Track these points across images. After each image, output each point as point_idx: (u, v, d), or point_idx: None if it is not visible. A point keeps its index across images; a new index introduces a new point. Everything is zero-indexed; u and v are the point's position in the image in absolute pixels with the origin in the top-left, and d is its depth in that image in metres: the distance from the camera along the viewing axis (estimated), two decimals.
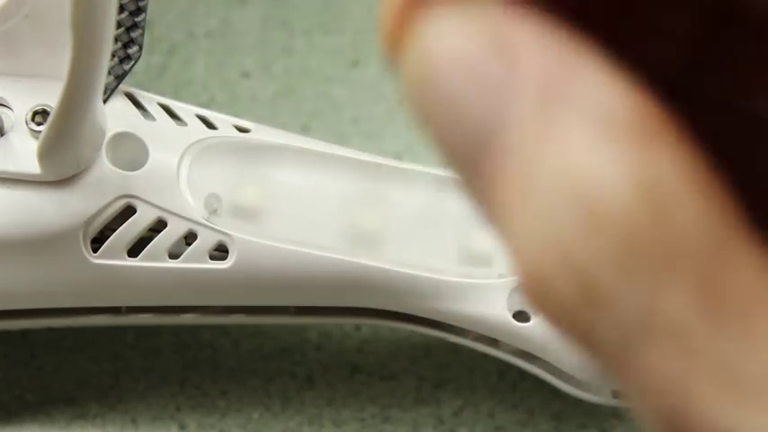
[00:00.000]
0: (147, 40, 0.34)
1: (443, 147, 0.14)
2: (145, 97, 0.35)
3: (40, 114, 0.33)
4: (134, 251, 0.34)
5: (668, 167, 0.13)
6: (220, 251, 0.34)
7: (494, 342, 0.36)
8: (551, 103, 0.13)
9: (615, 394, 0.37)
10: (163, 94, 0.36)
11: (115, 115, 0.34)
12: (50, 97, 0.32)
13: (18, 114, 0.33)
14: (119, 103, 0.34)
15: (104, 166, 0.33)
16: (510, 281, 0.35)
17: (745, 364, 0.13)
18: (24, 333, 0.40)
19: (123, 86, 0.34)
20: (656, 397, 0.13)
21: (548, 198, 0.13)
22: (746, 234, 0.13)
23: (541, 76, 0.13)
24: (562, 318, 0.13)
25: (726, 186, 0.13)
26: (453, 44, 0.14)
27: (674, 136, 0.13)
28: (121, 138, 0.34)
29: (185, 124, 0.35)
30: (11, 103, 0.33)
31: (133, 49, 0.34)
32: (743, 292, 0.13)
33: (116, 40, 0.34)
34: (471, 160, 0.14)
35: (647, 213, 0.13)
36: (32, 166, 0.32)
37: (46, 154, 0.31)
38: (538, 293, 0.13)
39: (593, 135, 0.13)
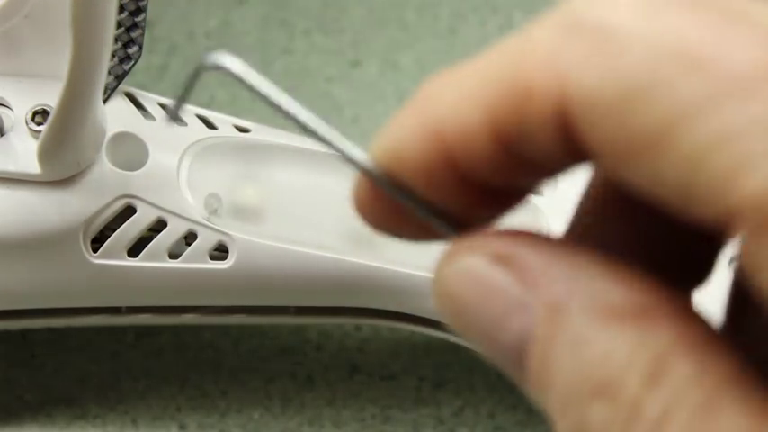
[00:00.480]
0: (147, 40, 0.34)
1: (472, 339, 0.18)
2: (145, 97, 0.35)
3: (40, 114, 0.33)
4: (134, 251, 0.34)
5: (665, 341, 0.16)
6: (220, 251, 0.34)
7: None
8: (556, 306, 0.16)
9: None
10: (163, 94, 0.36)
11: (115, 115, 0.34)
12: (50, 97, 0.32)
13: (18, 114, 0.33)
14: (119, 103, 0.34)
15: (104, 166, 0.33)
16: None
17: None
18: (24, 333, 0.40)
19: (123, 86, 0.34)
20: None
21: (566, 384, 0.16)
22: (741, 382, 0.15)
23: (542, 281, 0.17)
24: None
25: (726, 339, 0.16)
26: (462, 264, 0.18)
27: (671, 309, 0.16)
28: (121, 138, 0.34)
29: (185, 124, 0.35)
30: (11, 103, 0.33)
31: (133, 49, 0.34)
32: None
33: (116, 40, 0.34)
34: (493, 351, 0.18)
35: (642, 386, 0.15)
36: (32, 166, 0.32)
37: (46, 154, 0.31)
38: None
39: (595, 326, 0.16)
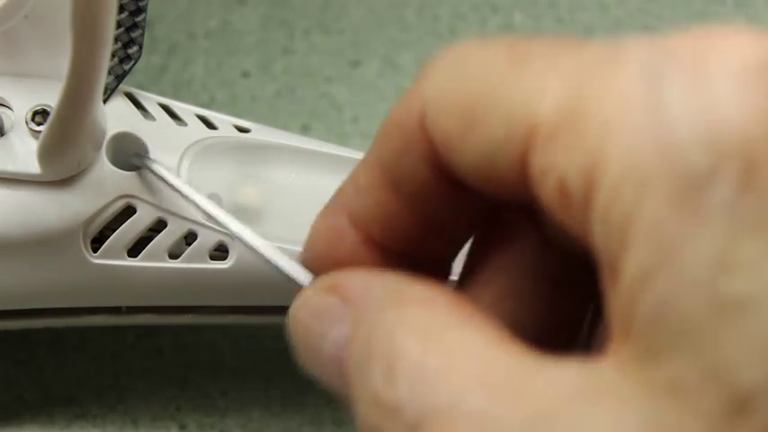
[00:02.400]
0: (147, 40, 0.34)
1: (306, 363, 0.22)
2: (145, 97, 0.35)
3: (40, 114, 0.33)
4: (134, 251, 0.34)
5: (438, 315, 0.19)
6: (220, 251, 0.34)
7: None
8: (359, 307, 0.20)
9: None
10: (163, 94, 0.36)
11: (115, 115, 0.34)
12: (50, 97, 0.32)
13: (18, 114, 0.33)
14: (119, 103, 0.34)
15: (104, 166, 0.33)
16: None
17: None
18: (24, 333, 0.40)
19: (123, 86, 0.34)
20: None
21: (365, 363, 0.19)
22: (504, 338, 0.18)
23: (356, 295, 0.20)
24: None
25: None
26: (303, 297, 0.22)
27: (448, 298, 0.19)
28: (121, 138, 0.34)
29: (185, 124, 0.35)
30: (11, 103, 0.33)
31: (133, 49, 0.34)
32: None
33: (116, 40, 0.34)
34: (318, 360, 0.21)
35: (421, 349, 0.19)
36: (32, 166, 0.32)
37: (46, 154, 0.31)
38: None
39: (385, 312, 0.19)
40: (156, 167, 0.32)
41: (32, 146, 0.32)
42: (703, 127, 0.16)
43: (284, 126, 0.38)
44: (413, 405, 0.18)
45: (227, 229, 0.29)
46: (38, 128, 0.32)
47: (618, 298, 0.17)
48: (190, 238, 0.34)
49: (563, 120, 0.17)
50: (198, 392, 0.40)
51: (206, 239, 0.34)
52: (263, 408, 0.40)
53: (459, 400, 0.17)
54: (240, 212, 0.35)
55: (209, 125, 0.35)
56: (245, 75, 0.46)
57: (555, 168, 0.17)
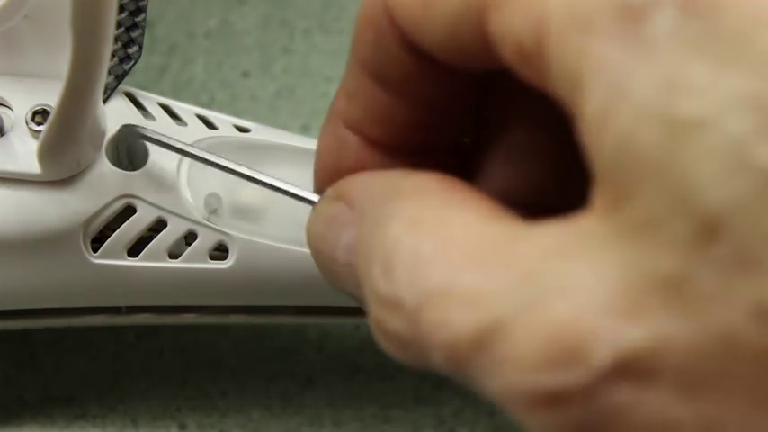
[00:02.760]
0: (147, 40, 0.34)
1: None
2: (145, 97, 0.35)
3: (40, 114, 0.33)
4: (134, 251, 0.34)
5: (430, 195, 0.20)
6: (220, 251, 0.34)
7: None
8: (362, 209, 0.21)
9: None
10: (163, 94, 0.36)
11: (115, 115, 0.34)
12: (50, 97, 0.32)
13: (18, 114, 0.33)
14: (119, 103, 0.34)
15: (104, 166, 0.33)
16: None
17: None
18: (24, 333, 0.40)
19: (123, 86, 0.34)
20: None
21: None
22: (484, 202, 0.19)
23: (359, 199, 0.21)
24: None
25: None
26: (314, 210, 0.23)
27: (437, 179, 0.20)
28: (121, 133, 0.34)
29: (185, 124, 0.35)
30: (11, 103, 0.33)
31: (133, 49, 0.34)
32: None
33: (116, 40, 0.34)
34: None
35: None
36: (32, 166, 0.32)
37: (46, 154, 0.31)
38: None
39: (382, 209, 0.20)
40: (151, 133, 0.32)
41: (32, 146, 0.32)
42: None
43: (284, 126, 0.38)
44: (411, 295, 0.18)
45: (234, 173, 0.29)
46: (38, 128, 0.32)
47: (588, 145, 0.17)
48: (190, 238, 0.34)
49: None
50: (198, 392, 0.40)
51: (206, 239, 0.34)
52: (263, 408, 0.40)
53: (453, 279, 0.18)
54: (240, 212, 0.35)
55: (209, 125, 0.35)
56: (245, 75, 0.46)
57: (510, 29, 0.18)
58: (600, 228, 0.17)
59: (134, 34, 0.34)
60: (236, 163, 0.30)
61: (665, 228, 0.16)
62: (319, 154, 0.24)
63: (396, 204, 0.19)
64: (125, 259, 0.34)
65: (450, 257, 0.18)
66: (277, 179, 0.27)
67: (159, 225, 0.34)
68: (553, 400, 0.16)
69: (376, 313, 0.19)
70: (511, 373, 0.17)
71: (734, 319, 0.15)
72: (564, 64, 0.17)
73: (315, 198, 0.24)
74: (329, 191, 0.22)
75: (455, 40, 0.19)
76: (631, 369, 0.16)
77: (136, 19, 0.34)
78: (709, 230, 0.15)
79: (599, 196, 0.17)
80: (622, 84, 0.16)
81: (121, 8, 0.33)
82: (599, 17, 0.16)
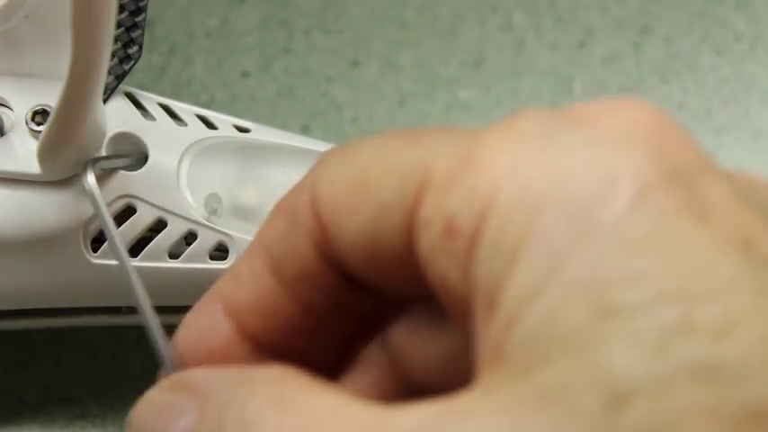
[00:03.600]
0: (147, 40, 0.34)
1: None
2: (145, 97, 0.35)
3: (40, 114, 0.33)
4: (134, 251, 0.34)
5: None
6: (220, 251, 0.34)
7: None
8: (205, 396, 0.20)
9: None
10: (163, 94, 0.36)
11: (115, 115, 0.34)
12: (50, 97, 0.32)
13: (18, 114, 0.33)
14: (119, 103, 0.34)
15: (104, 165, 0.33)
16: None
17: None
18: (24, 333, 0.40)
19: (123, 86, 0.34)
20: None
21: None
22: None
23: (203, 388, 0.20)
24: None
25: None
26: (146, 397, 0.21)
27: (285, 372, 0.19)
28: (121, 138, 0.34)
29: (185, 124, 0.35)
30: (11, 103, 0.33)
31: (133, 49, 0.34)
32: None
33: (116, 40, 0.34)
34: None
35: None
36: (32, 166, 0.32)
37: (46, 154, 0.31)
38: None
39: (235, 390, 0.19)
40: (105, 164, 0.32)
41: (32, 146, 0.32)
42: (594, 159, 0.17)
43: (284, 126, 0.38)
44: None
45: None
46: (38, 128, 0.32)
47: (492, 328, 0.17)
48: (190, 238, 0.34)
49: (458, 167, 0.18)
50: None
51: (206, 239, 0.34)
52: None
53: None
54: (240, 212, 0.35)
55: (210, 125, 0.35)
56: (245, 75, 0.46)
57: (445, 209, 0.18)
58: (489, 397, 0.17)
59: (134, 34, 0.34)
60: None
61: (573, 396, 0.16)
62: (184, 329, 0.23)
63: (251, 387, 0.19)
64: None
65: None
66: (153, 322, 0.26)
67: (159, 225, 0.34)
68: None
69: None
70: None
71: None
72: (502, 240, 0.17)
73: (168, 368, 0.23)
74: (164, 381, 0.21)
75: (376, 232, 0.19)
76: None
77: (136, 19, 0.34)
78: (618, 401, 0.15)
79: (494, 374, 0.17)
80: (561, 263, 0.16)
81: (121, 8, 0.33)
82: (553, 203, 0.17)
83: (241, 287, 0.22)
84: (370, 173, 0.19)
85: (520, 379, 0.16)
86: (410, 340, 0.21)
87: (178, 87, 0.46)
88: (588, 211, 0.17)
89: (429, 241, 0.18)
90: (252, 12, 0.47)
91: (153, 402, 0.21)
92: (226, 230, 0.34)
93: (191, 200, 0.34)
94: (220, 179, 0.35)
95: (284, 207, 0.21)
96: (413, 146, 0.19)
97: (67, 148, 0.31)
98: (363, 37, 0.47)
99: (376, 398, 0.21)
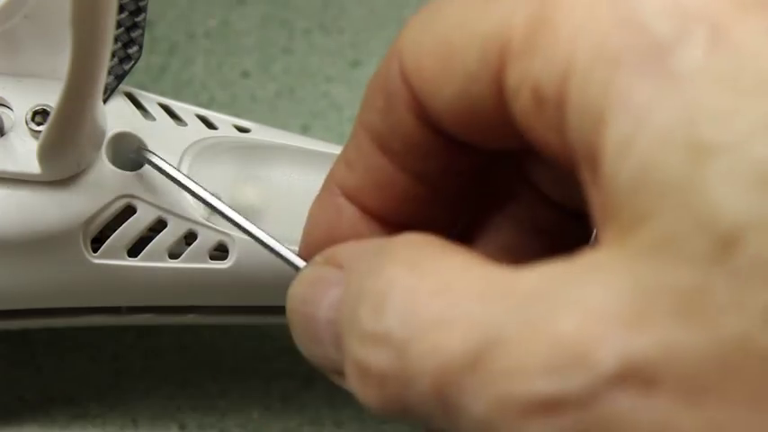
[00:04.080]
0: (147, 40, 0.34)
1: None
2: (145, 97, 0.35)
3: (40, 114, 0.33)
4: (134, 251, 0.34)
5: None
6: (220, 251, 0.34)
7: None
8: (348, 268, 0.21)
9: None
10: (163, 94, 0.36)
11: (115, 115, 0.34)
12: (50, 97, 0.32)
13: (18, 114, 0.33)
14: (119, 103, 0.34)
15: (104, 166, 0.33)
16: None
17: None
18: (24, 333, 0.40)
19: (123, 86, 0.34)
20: None
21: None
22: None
23: (348, 260, 0.21)
24: None
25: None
26: (300, 274, 0.23)
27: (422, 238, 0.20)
28: (121, 138, 0.34)
29: (185, 124, 0.35)
30: (11, 103, 0.33)
31: (133, 49, 0.34)
32: None
33: (116, 40, 0.34)
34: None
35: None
36: (32, 166, 0.32)
37: (46, 154, 0.31)
38: None
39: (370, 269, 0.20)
40: (157, 161, 0.32)
41: (32, 146, 0.32)
42: (663, 2, 0.17)
43: (284, 126, 0.38)
44: (402, 327, 0.18)
45: (231, 221, 0.29)
46: (38, 128, 0.32)
47: (598, 187, 0.17)
48: (190, 238, 0.34)
49: (534, 30, 0.18)
50: (198, 392, 0.40)
51: (206, 239, 0.34)
52: (263, 408, 0.40)
53: (450, 310, 0.18)
54: (240, 212, 0.35)
55: (210, 125, 0.35)
56: (245, 75, 0.46)
57: (529, 76, 0.18)
58: (608, 256, 0.17)
59: (134, 34, 0.34)
60: (238, 213, 0.30)
61: (684, 244, 0.16)
62: (311, 221, 0.24)
63: (389, 254, 0.20)
64: (125, 259, 0.34)
65: (449, 292, 0.18)
66: (269, 236, 0.27)
67: (159, 225, 0.34)
68: (551, 406, 0.16)
69: (357, 354, 0.19)
70: (506, 384, 0.17)
71: (746, 325, 0.15)
72: (587, 100, 0.17)
73: (301, 263, 0.24)
74: (317, 257, 0.22)
75: (469, 100, 0.19)
76: (637, 375, 0.16)
77: (136, 19, 0.34)
78: (728, 242, 0.15)
79: (608, 229, 0.17)
80: (647, 112, 0.16)
81: (121, 8, 0.33)
82: (627, 53, 0.17)
83: (355, 170, 0.22)
84: (452, 41, 0.19)
85: (629, 234, 0.17)
86: (547, 178, 0.22)
87: (178, 87, 0.46)
88: (664, 56, 0.17)
89: (521, 110, 0.18)
90: (252, 12, 0.47)
91: (308, 277, 0.22)
92: (226, 230, 0.34)
93: (191, 200, 0.34)
94: (220, 179, 0.35)
95: (377, 85, 0.22)
96: (491, 8, 0.19)
97: (67, 148, 0.31)
98: (363, 37, 0.47)
99: (505, 261, 0.21)
